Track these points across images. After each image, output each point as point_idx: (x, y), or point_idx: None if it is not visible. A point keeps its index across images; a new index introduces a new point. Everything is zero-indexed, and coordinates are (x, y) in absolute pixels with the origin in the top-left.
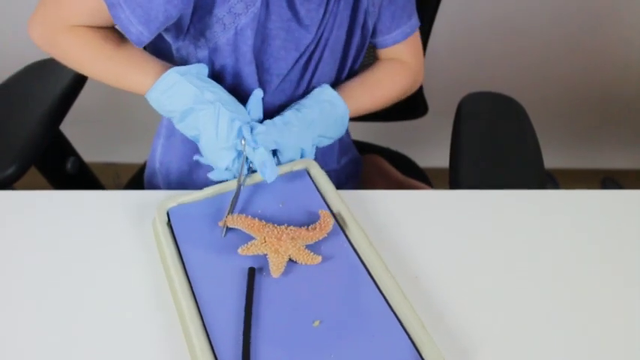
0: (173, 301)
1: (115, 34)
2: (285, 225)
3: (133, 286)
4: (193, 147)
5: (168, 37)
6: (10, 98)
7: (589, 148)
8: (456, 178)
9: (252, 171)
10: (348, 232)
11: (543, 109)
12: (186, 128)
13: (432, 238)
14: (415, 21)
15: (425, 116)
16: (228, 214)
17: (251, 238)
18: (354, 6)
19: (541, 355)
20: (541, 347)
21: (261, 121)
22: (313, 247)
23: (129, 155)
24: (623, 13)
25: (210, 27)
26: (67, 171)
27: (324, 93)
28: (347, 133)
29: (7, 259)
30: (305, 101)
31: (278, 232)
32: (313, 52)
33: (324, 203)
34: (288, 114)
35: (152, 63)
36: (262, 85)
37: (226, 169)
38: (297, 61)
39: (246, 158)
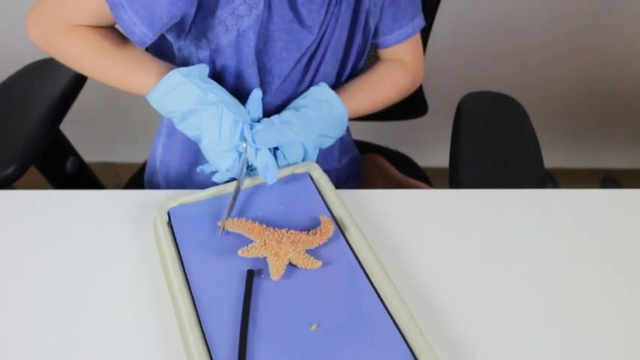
0: (171, 301)
1: (115, 33)
2: (286, 229)
3: (132, 286)
4: (193, 147)
5: (169, 37)
6: (9, 98)
7: (589, 148)
8: (455, 177)
9: (251, 169)
10: (348, 236)
11: (543, 108)
12: (187, 128)
13: (432, 237)
14: (419, 21)
15: (425, 116)
16: (227, 215)
17: (251, 240)
18: (355, 7)
19: (541, 355)
20: (541, 347)
21: (260, 121)
22: (313, 252)
23: (128, 155)
24: (623, 12)
25: (212, 28)
26: (66, 170)
27: (321, 92)
28: (348, 132)
29: (6, 259)
30: (302, 101)
31: (278, 236)
32: (315, 53)
33: (325, 207)
34: (286, 113)
35: (154, 64)
36: (263, 86)
37: (227, 170)
38: (298, 61)
39: (246, 160)
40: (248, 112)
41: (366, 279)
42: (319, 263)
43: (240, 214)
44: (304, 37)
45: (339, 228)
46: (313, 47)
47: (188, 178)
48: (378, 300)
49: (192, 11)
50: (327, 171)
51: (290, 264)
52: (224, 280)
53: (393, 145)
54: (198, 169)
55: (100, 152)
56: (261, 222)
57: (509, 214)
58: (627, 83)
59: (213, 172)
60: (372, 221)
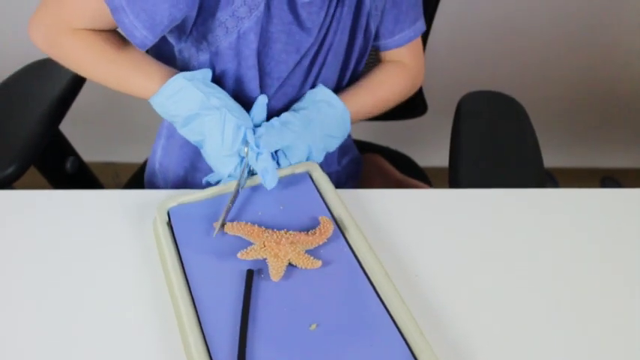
0: (171, 301)
1: (117, 36)
2: (285, 230)
3: (132, 286)
4: (190, 151)
5: (171, 39)
6: (9, 98)
7: (589, 148)
8: (455, 177)
9: (252, 174)
10: (348, 236)
11: (543, 108)
12: (189, 133)
13: (432, 237)
14: (420, 25)
15: (424, 115)
16: (224, 217)
17: (251, 242)
18: (356, 10)
19: (541, 355)
20: (541, 347)
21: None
22: (313, 252)
23: (128, 155)
24: (623, 12)
25: (212, 30)
26: (66, 171)
27: (318, 93)
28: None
29: (6, 259)
30: (301, 103)
31: (277, 237)
32: (316, 56)
33: (324, 207)
34: (286, 115)
35: (156, 67)
36: (263, 88)
37: (229, 176)
38: (298, 64)
39: (248, 164)
40: (252, 118)
41: (366, 279)
42: (319, 263)
43: (239, 214)
44: (303, 39)
45: (339, 228)
46: (314, 50)
47: (185, 183)
48: (378, 300)
49: (194, 13)
50: (328, 173)
51: (290, 264)
52: (224, 280)
53: (392, 145)
54: (204, 180)
55: (100, 152)
56: (260, 222)
57: (509, 213)
58: (627, 83)
59: (218, 181)
60: (371, 221)
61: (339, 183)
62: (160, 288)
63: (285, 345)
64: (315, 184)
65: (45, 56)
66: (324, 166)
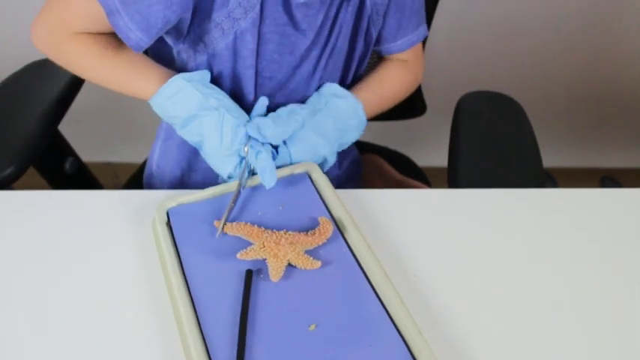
0: (171, 302)
1: (116, 40)
2: (284, 230)
3: (132, 286)
4: (188, 150)
5: (169, 40)
6: (9, 98)
7: (588, 147)
8: (454, 177)
9: (253, 174)
10: (347, 237)
11: (542, 108)
12: (188, 134)
13: (431, 237)
14: (423, 30)
15: (423, 115)
16: (226, 217)
17: (250, 242)
18: (357, 14)
19: (541, 355)
20: (540, 347)
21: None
22: (312, 252)
23: (127, 155)
24: (622, 13)
25: (208, 32)
26: (65, 171)
27: (325, 87)
28: None
29: (6, 259)
30: (309, 99)
31: (277, 237)
32: (318, 61)
33: (324, 207)
34: (292, 105)
35: (154, 69)
36: (256, 87)
37: (229, 176)
38: (298, 68)
39: (248, 164)
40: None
41: (365, 279)
42: (319, 263)
43: (239, 214)
44: (299, 41)
45: (338, 228)
46: (316, 54)
47: (181, 184)
48: (377, 300)
49: (189, 15)
50: (328, 177)
51: (289, 265)
52: (223, 280)
53: (391, 145)
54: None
55: (99, 152)
56: (260, 222)
57: (508, 213)
58: (626, 83)
59: (207, 177)
60: (371, 221)
61: (339, 184)
62: (160, 288)
63: (285, 345)
64: (314, 185)
65: (44, 56)
66: (324, 170)
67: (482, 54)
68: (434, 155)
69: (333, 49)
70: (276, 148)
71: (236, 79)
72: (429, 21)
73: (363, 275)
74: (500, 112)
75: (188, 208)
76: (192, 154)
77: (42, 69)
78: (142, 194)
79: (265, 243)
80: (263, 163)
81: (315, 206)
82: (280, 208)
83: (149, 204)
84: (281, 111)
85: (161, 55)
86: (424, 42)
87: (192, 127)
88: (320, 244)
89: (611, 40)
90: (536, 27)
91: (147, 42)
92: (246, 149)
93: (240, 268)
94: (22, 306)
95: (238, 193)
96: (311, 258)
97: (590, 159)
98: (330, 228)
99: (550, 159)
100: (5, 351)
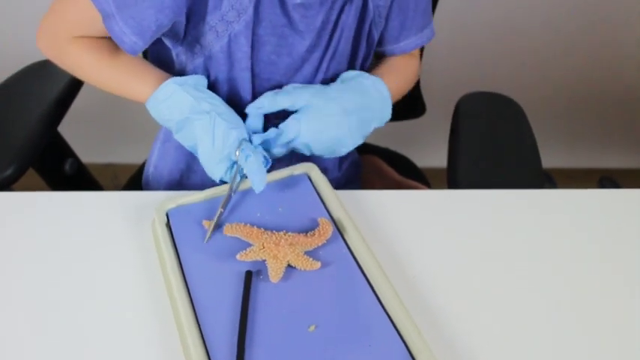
0: (170, 302)
1: (115, 43)
2: (284, 231)
3: (131, 287)
4: (186, 155)
5: (167, 43)
6: (9, 98)
7: (586, 148)
8: (454, 177)
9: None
10: (346, 237)
11: (541, 108)
12: (183, 138)
13: (431, 237)
14: (429, 32)
15: (423, 116)
16: (216, 222)
17: (250, 244)
18: (360, 16)
19: (540, 355)
20: (540, 347)
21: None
22: (312, 253)
23: (127, 156)
24: (622, 13)
25: (203, 34)
26: (65, 172)
27: (345, 74)
28: None
29: (6, 259)
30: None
31: (276, 238)
32: (320, 64)
33: (323, 208)
34: (310, 85)
35: (152, 72)
36: (255, 91)
37: (221, 180)
38: (299, 70)
39: (240, 168)
40: (248, 125)
41: (365, 280)
42: (318, 264)
43: (238, 216)
44: (297, 42)
45: (338, 229)
46: (317, 56)
47: (180, 186)
48: (377, 301)
49: (182, 19)
50: (328, 179)
51: (289, 265)
52: (223, 281)
53: (391, 146)
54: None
55: (98, 153)
56: (259, 223)
57: (508, 214)
58: (625, 84)
59: (206, 179)
60: (370, 222)
61: (339, 186)
62: (159, 289)
63: (284, 346)
64: (313, 186)
65: (44, 57)
66: (323, 172)
67: (482, 54)
68: (433, 156)
69: (335, 51)
70: (283, 119)
71: (232, 81)
72: None
73: (362, 276)
74: (500, 113)
75: (187, 209)
76: (191, 156)
77: (42, 70)
78: (142, 195)
79: (265, 244)
80: (252, 166)
81: (315, 207)
82: (280, 209)
83: (149, 205)
84: (297, 84)
85: (161, 58)
86: None
87: (185, 132)
88: (319, 245)
89: (610, 40)
90: (535, 28)
91: (141, 46)
92: (237, 153)
93: (239, 269)
94: (23, 306)
95: (229, 197)
96: (310, 259)
97: (589, 159)
98: (329, 229)
99: (549, 159)
100: (5, 351)
